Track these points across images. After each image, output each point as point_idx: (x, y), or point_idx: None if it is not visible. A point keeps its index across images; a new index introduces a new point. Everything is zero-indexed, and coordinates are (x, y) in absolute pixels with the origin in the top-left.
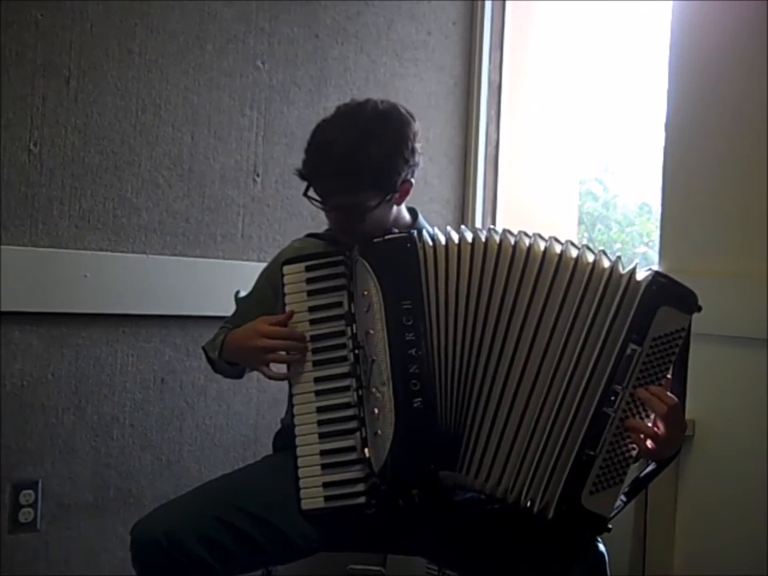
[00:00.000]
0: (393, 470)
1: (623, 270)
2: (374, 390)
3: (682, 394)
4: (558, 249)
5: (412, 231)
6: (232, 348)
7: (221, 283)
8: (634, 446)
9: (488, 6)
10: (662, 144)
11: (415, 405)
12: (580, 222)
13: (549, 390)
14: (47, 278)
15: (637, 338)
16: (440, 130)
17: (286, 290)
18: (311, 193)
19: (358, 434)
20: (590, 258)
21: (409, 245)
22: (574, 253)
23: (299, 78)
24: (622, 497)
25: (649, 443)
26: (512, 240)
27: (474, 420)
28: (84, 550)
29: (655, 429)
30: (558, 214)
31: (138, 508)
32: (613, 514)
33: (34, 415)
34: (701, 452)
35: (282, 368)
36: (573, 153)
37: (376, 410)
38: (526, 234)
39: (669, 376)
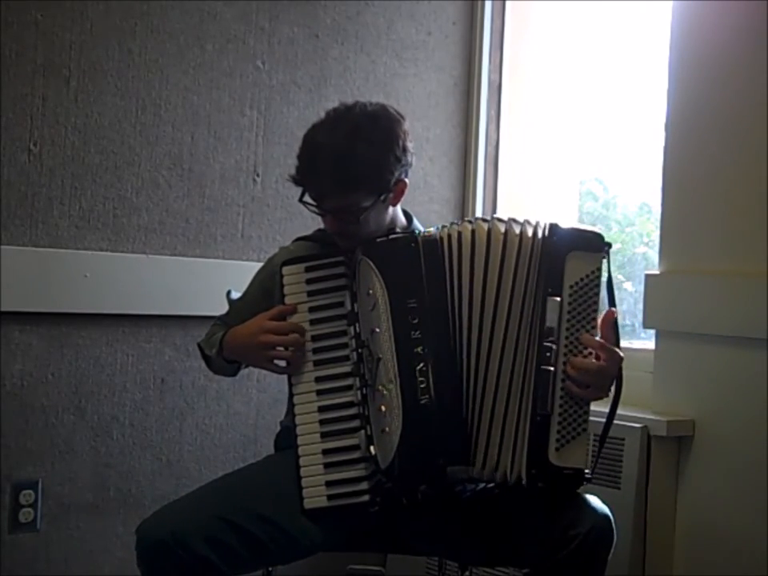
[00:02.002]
0: (401, 467)
1: (531, 232)
2: (380, 387)
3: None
4: (501, 228)
5: (414, 231)
6: (233, 346)
7: (221, 283)
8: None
9: (488, 5)
10: (662, 144)
11: (423, 402)
12: (580, 222)
13: (507, 366)
14: (47, 277)
15: (553, 291)
16: (440, 130)
17: (286, 290)
18: (306, 198)
19: (362, 432)
20: (517, 229)
21: (413, 244)
22: (502, 228)
23: (299, 77)
24: (595, 444)
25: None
26: (470, 228)
27: (475, 409)
28: (84, 550)
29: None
30: (558, 214)
31: (138, 508)
32: (590, 464)
33: (34, 415)
34: (701, 452)
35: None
36: (573, 152)
37: (383, 408)
38: (468, 221)
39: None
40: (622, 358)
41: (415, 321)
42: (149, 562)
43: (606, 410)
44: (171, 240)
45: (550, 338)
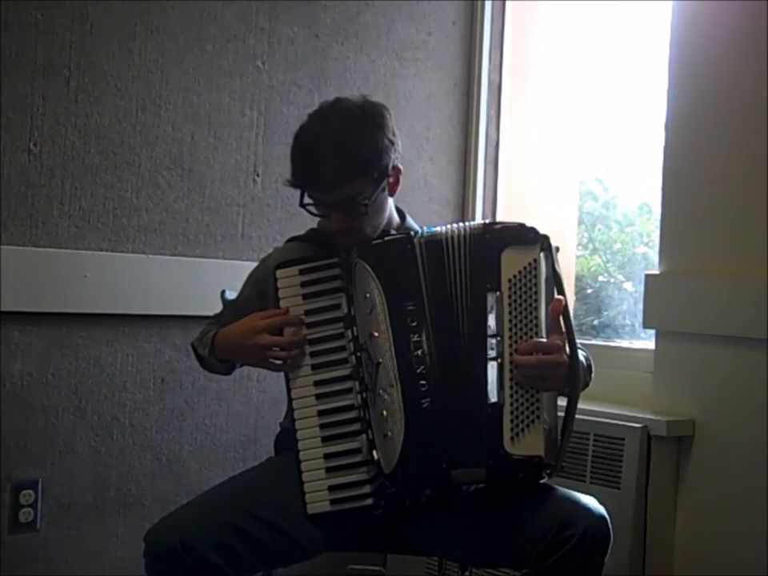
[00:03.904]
0: (404, 471)
1: (463, 233)
2: (380, 392)
3: (565, 324)
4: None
5: (409, 231)
6: (225, 346)
7: (221, 283)
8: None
9: (488, 5)
10: (662, 144)
11: (425, 405)
12: (580, 222)
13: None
14: (47, 278)
15: (492, 286)
16: (440, 130)
17: (281, 293)
18: (307, 200)
19: (363, 436)
20: (455, 231)
21: (409, 245)
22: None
23: (299, 77)
24: (558, 436)
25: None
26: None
27: (474, 410)
28: (84, 550)
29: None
30: (558, 214)
31: (138, 508)
32: (557, 450)
33: (34, 415)
34: (701, 452)
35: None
36: (573, 153)
37: (384, 412)
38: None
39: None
40: (561, 347)
41: (414, 323)
42: (158, 570)
43: (604, 408)
44: (171, 240)
45: (494, 332)
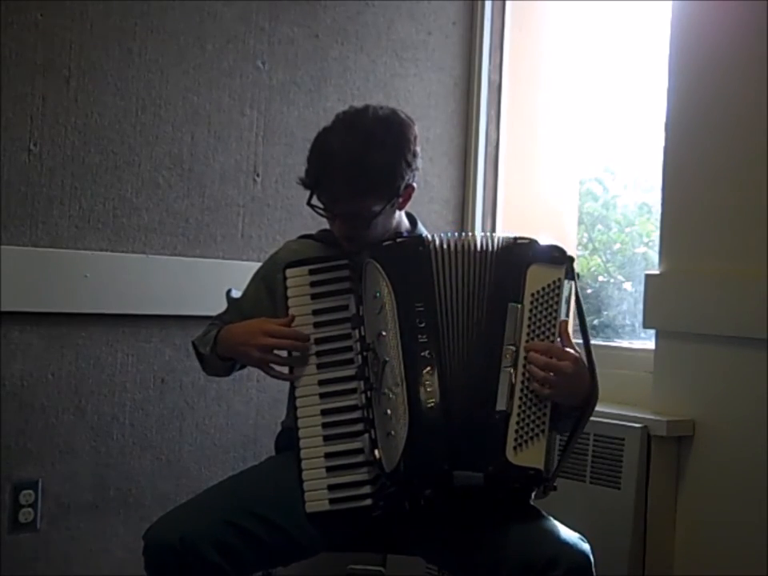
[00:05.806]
0: (406, 470)
1: (494, 246)
2: (386, 390)
3: (585, 345)
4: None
5: (421, 235)
6: (230, 344)
7: (221, 283)
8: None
9: (488, 5)
10: (662, 144)
11: (429, 405)
12: (580, 222)
13: (476, 370)
14: (47, 278)
15: (514, 297)
16: (440, 130)
17: (289, 293)
18: (314, 201)
19: (366, 435)
20: (484, 242)
21: (421, 248)
22: (478, 241)
23: (299, 77)
24: (558, 453)
25: (549, 388)
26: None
27: (480, 415)
28: (84, 550)
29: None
30: (558, 214)
31: (138, 508)
32: (553, 468)
33: (34, 415)
34: (701, 452)
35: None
36: (573, 153)
37: (389, 411)
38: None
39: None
40: (575, 357)
41: (422, 325)
42: (157, 568)
43: (604, 408)
44: (171, 240)
45: (511, 342)
